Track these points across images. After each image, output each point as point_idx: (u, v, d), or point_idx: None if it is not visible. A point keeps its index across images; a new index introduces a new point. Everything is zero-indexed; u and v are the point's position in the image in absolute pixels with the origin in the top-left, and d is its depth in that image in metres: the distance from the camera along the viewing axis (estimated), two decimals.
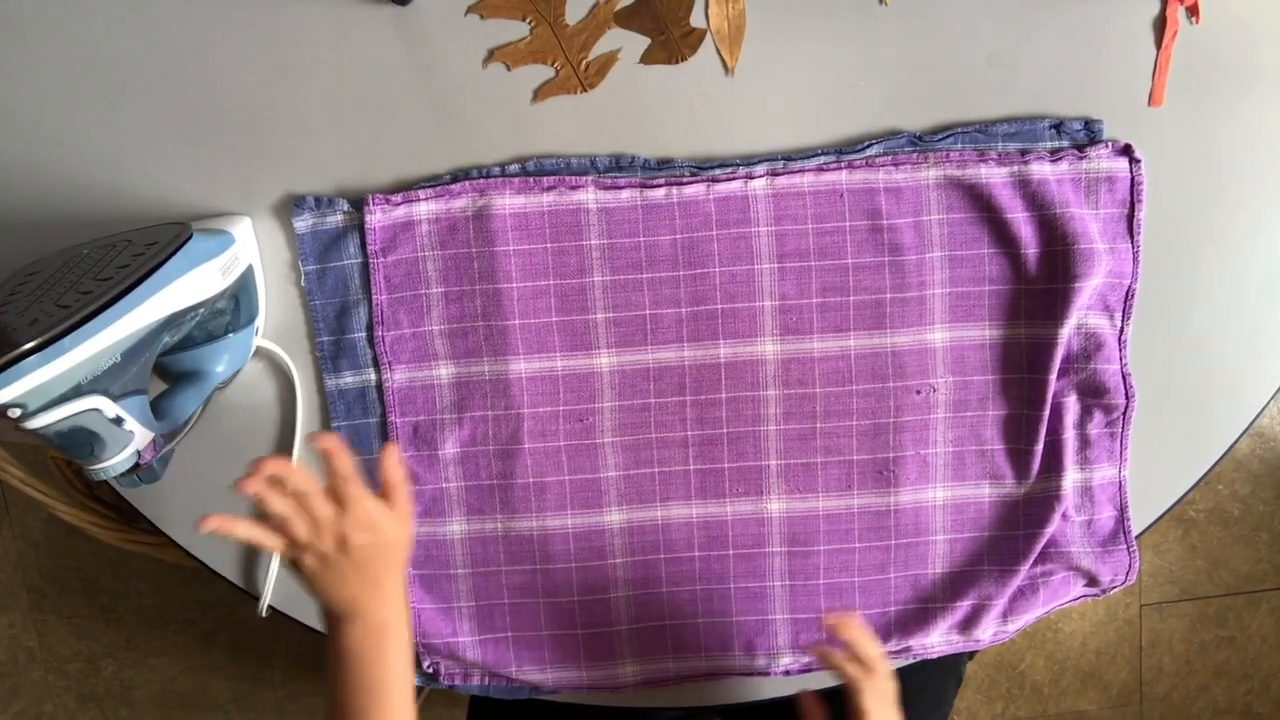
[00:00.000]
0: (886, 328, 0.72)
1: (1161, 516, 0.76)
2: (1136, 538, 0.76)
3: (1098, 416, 0.73)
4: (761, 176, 0.70)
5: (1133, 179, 0.70)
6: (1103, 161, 0.70)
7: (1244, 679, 1.58)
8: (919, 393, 0.73)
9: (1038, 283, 0.71)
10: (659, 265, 0.71)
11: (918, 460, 0.73)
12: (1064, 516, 0.74)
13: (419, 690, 0.74)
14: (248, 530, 0.58)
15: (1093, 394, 0.73)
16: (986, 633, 0.76)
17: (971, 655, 0.78)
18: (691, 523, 0.74)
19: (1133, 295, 0.72)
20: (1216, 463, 0.76)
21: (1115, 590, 0.76)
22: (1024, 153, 0.70)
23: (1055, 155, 0.70)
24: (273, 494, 0.59)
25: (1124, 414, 0.73)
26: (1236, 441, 0.76)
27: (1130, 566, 0.75)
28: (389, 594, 0.61)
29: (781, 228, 0.71)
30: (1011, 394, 0.73)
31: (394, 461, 0.62)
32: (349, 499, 0.59)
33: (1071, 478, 0.73)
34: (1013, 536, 0.74)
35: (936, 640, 0.77)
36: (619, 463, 0.73)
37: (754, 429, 0.73)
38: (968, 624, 0.76)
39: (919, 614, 0.76)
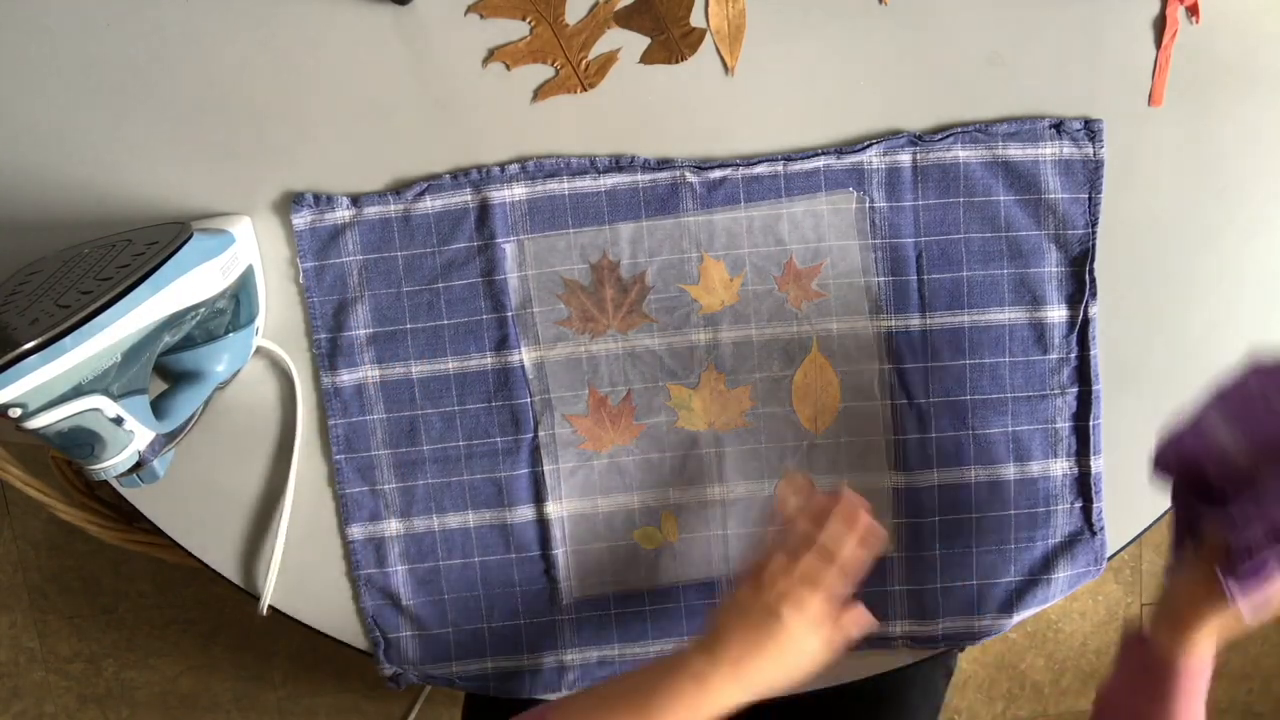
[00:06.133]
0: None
1: (1162, 516, 0.76)
2: (1137, 537, 0.76)
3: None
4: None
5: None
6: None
7: (1244, 679, 1.58)
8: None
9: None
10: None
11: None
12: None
13: (420, 688, 0.74)
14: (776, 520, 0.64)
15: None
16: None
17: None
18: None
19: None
20: None
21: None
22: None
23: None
24: (801, 523, 0.63)
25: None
26: None
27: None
28: (738, 681, 0.60)
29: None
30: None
31: (860, 620, 0.64)
32: (824, 573, 0.61)
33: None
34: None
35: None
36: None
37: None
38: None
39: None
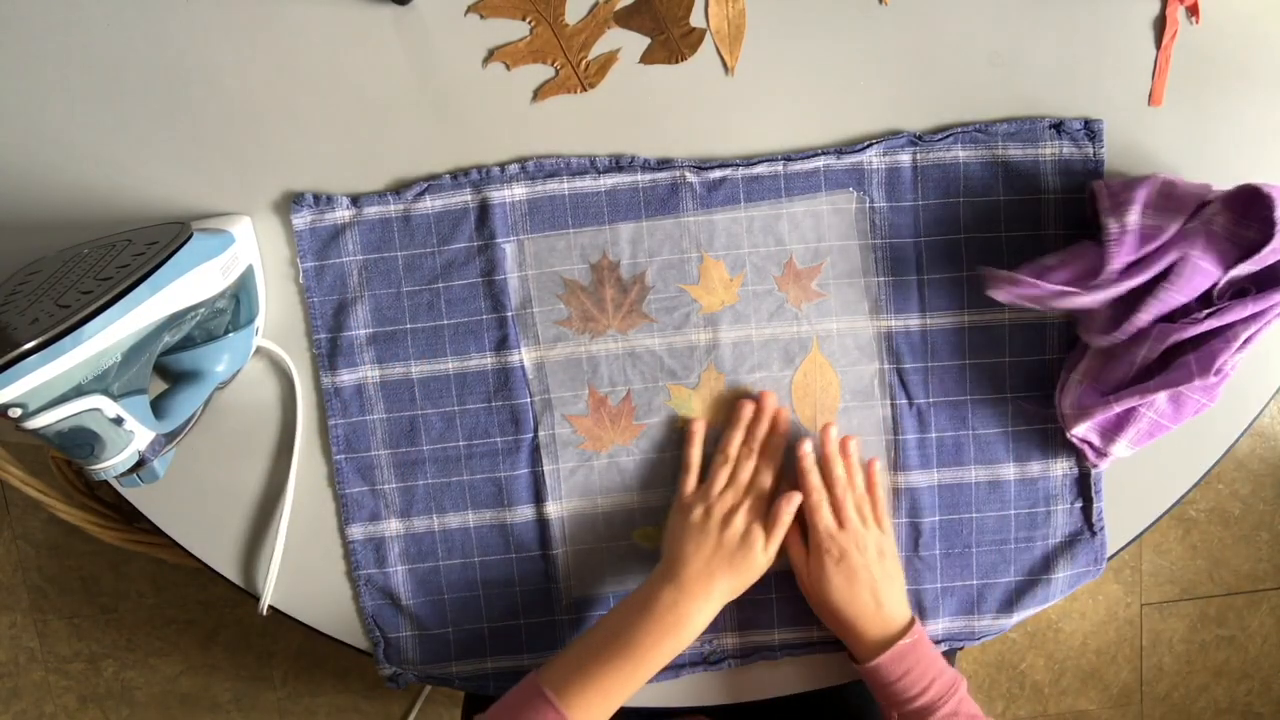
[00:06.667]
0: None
1: (1161, 516, 0.76)
2: (1137, 537, 0.76)
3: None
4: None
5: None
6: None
7: (1244, 679, 1.58)
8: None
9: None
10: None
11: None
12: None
13: (420, 688, 0.74)
14: (696, 442, 0.72)
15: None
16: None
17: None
18: None
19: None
20: (1216, 463, 0.76)
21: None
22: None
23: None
24: (736, 435, 0.71)
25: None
26: (1236, 441, 0.76)
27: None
28: (708, 597, 0.67)
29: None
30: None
31: (790, 507, 0.70)
32: (762, 475, 0.70)
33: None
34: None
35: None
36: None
37: None
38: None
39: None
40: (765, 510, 0.70)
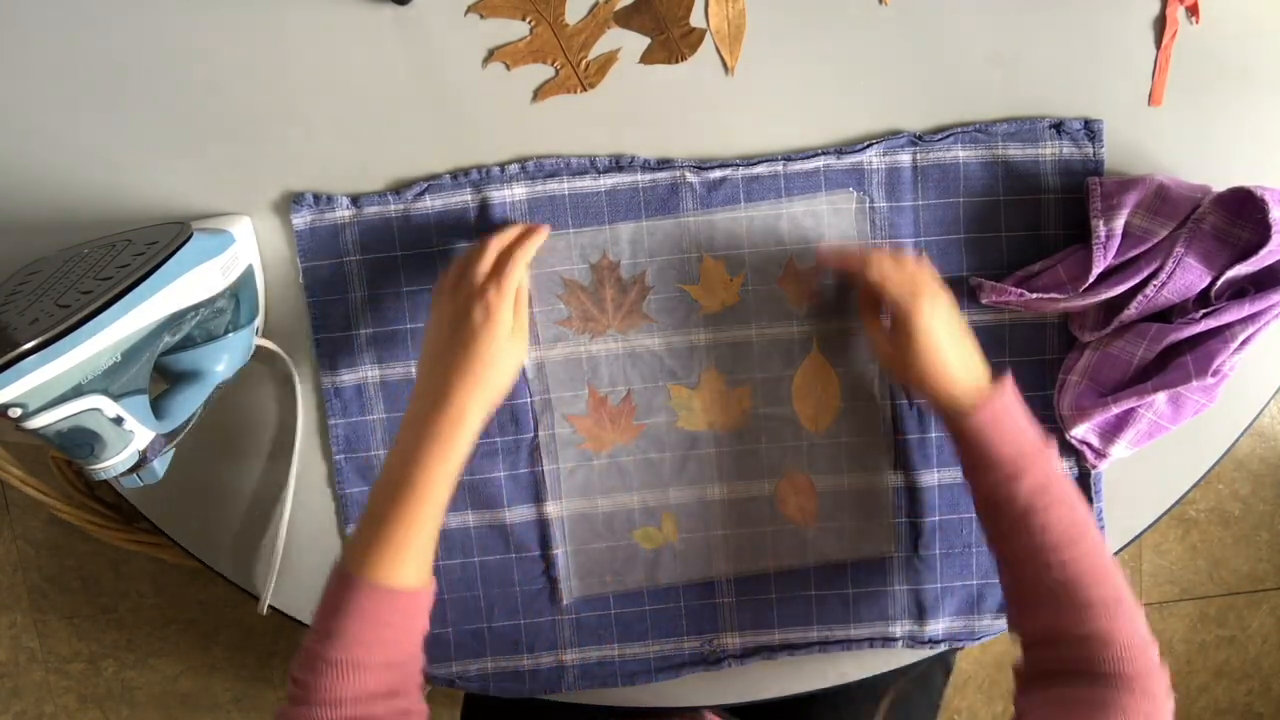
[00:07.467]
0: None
1: (1161, 516, 0.76)
2: (1137, 537, 0.76)
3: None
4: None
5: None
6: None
7: (1244, 679, 1.58)
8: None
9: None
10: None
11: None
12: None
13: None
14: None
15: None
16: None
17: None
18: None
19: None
20: (1216, 463, 0.76)
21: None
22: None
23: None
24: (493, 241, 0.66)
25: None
26: (1236, 441, 0.76)
27: None
28: (467, 400, 0.62)
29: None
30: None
31: (530, 243, 0.66)
32: (500, 278, 0.64)
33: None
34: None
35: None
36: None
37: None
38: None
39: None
40: (505, 298, 0.64)
